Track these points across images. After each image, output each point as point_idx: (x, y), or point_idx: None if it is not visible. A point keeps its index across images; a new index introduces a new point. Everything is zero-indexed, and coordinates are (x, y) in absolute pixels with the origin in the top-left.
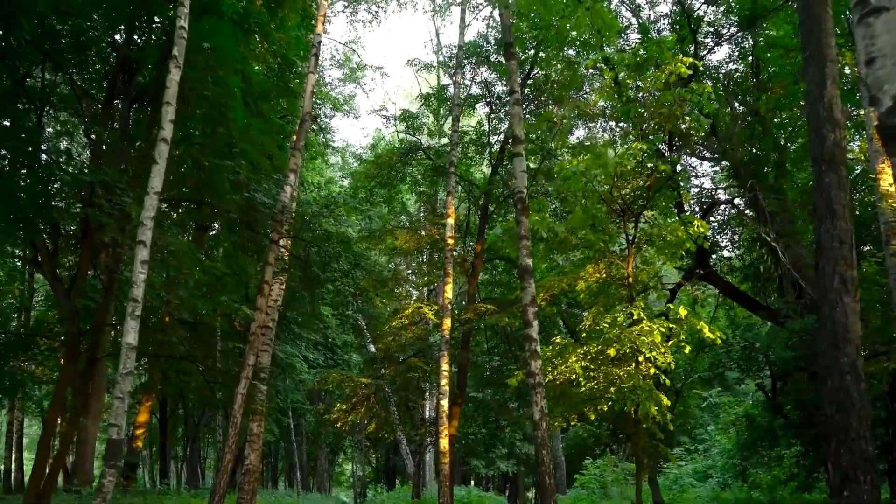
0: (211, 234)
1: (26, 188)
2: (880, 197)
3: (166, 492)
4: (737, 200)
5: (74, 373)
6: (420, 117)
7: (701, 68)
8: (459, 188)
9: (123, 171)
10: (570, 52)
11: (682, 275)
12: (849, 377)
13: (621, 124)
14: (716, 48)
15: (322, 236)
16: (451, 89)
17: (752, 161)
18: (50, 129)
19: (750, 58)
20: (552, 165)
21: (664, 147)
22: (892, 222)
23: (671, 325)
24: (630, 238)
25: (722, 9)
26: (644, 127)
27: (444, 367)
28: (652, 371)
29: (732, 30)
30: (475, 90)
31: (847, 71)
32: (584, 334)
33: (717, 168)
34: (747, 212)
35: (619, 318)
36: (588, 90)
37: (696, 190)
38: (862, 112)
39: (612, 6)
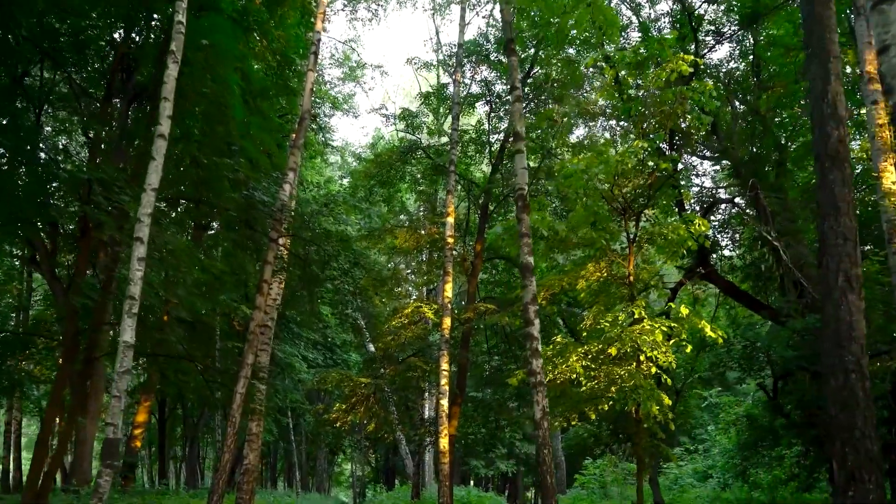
0: (210, 232)
1: (24, 186)
2: (882, 195)
3: (165, 492)
4: (738, 199)
5: (72, 372)
6: (420, 116)
7: (702, 67)
8: (459, 187)
9: (122, 169)
10: (571, 50)
11: (683, 274)
12: (853, 376)
13: (622, 123)
14: (716, 47)
15: (321, 235)
16: (451, 88)
17: (752, 160)
18: (48, 128)
19: (751, 56)
20: (552, 164)
21: (665, 145)
22: (894, 220)
23: (672, 325)
24: (631, 237)
25: (723, 7)
26: (645, 125)
27: (444, 366)
28: (653, 370)
29: (733, 28)
30: (475, 89)
31: (848, 70)
32: (584, 333)
33: (717, 167)
34: (748, 211)
35: (619, 317)
36: (588, 89)
37: (697, 189)
38: (863, 111)
39: (612, 4)
